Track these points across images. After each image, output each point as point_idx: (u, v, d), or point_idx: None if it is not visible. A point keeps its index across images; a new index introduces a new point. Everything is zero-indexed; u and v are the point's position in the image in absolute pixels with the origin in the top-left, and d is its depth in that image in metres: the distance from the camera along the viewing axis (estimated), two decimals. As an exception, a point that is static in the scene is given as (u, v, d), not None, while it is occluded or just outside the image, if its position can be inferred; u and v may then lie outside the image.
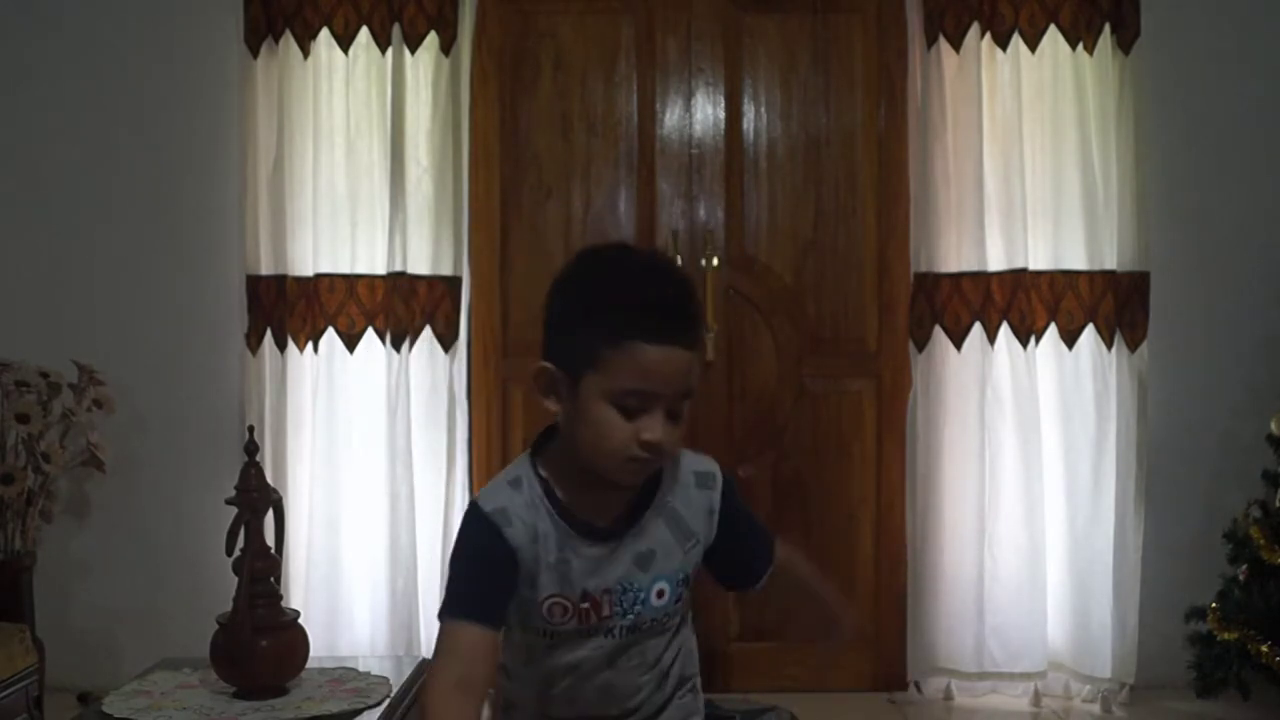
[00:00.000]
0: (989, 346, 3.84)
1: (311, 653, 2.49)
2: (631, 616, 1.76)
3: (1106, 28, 3.82)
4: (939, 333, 3.87)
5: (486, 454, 4.04)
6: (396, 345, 3.84)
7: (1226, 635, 3.51)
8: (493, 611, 1.70)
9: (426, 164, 3.87)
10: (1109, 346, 3.84)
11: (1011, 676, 3.88)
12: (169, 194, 4.00)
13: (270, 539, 2.45)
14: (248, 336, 3.89)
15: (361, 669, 2.61)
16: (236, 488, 2.38)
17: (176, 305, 4.01)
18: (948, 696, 3.91)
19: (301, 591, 3.80)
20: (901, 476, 3.97)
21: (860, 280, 4.06)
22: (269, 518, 2.43)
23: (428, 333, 3.87)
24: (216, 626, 2.39)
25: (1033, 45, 3.83)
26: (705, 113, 4.04)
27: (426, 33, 3.84)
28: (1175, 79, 3.92)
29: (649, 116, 4.05)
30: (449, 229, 3.88)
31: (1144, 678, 3.85)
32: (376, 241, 3.85)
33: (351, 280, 3.86)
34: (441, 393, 3.88)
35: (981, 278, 3.83)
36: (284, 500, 2.53)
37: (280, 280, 3.86)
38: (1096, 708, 3.82)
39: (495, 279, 4.05)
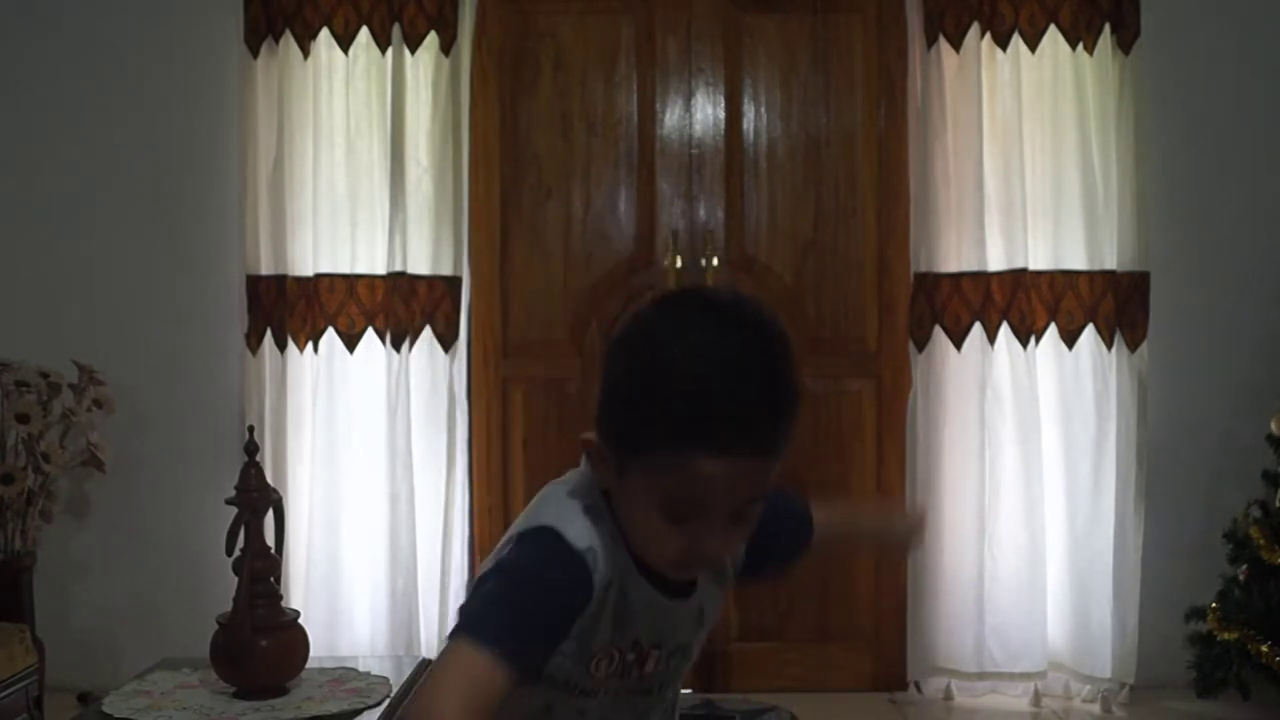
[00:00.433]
0: (989, 346, 3.84)
1: (311, 653, 2.49)
2: (674, 676, 1.52)
3: (1106, 28, 3.82)
4: (939, 333, 3.87)
5: (486, 454, 4.03)
6: (396, 345, 3.84)
7: (1226, 635, 3.51)
8: (533, 663, 1.35)
9: (426, 164, 3.87)
10: (1109, 346, 3.84)
11: (1011, 676, 3.88)
12: (169, 194, 4.00)
13: (270, 539, 2.45)
14: (248, 336, 3.89)
15: (361, 669, 2.61)
16: (236, 488, 2.38)
17: (176, 305, 4.01)
18: (948, 696, 3.90)
19: (301, 591, 3.80)
20: (901, 476, 3.97)
21: (860, 280, 4.06)
22: (269, 518, 2.43)
23: (428, 333, 3.87)
24: (216, 626, 2.39)
25: (1033, 45, 3.83)
26: (705, 113, 4.04)
27: (426, 33, 3.84)
28: (1175, 79, 3.92)
29: (649, 116, 4.05)
30: (449, 229, 3.88)
31: (1144, 678, 3.84)
32: (376, 241, 3.85)
33: (351, 280, 3.86)
34: (441, 393, 3.88)
35: (981, 278, 3.84)
36: (284, 500, 2.53)
37: (280, 280, 3.86)
38: (1096, 708, 3.82)
39: (495, 279, 4.05)
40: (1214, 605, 3.58)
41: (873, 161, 4.06)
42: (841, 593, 4.04)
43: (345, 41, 3.84)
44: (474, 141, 4.00)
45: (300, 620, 2.45)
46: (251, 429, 2.49)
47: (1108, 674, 3.83)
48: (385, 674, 2.57)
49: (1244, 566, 3.56)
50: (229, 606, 2.37)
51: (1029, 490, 3.84)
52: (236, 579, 2.36)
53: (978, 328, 3.85)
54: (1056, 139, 3.86)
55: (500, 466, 4.05)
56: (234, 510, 2.37)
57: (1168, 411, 3.94)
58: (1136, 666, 3.83)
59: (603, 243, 4.04)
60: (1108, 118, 3.83)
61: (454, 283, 3.89)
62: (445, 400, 3.88)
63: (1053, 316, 3.87)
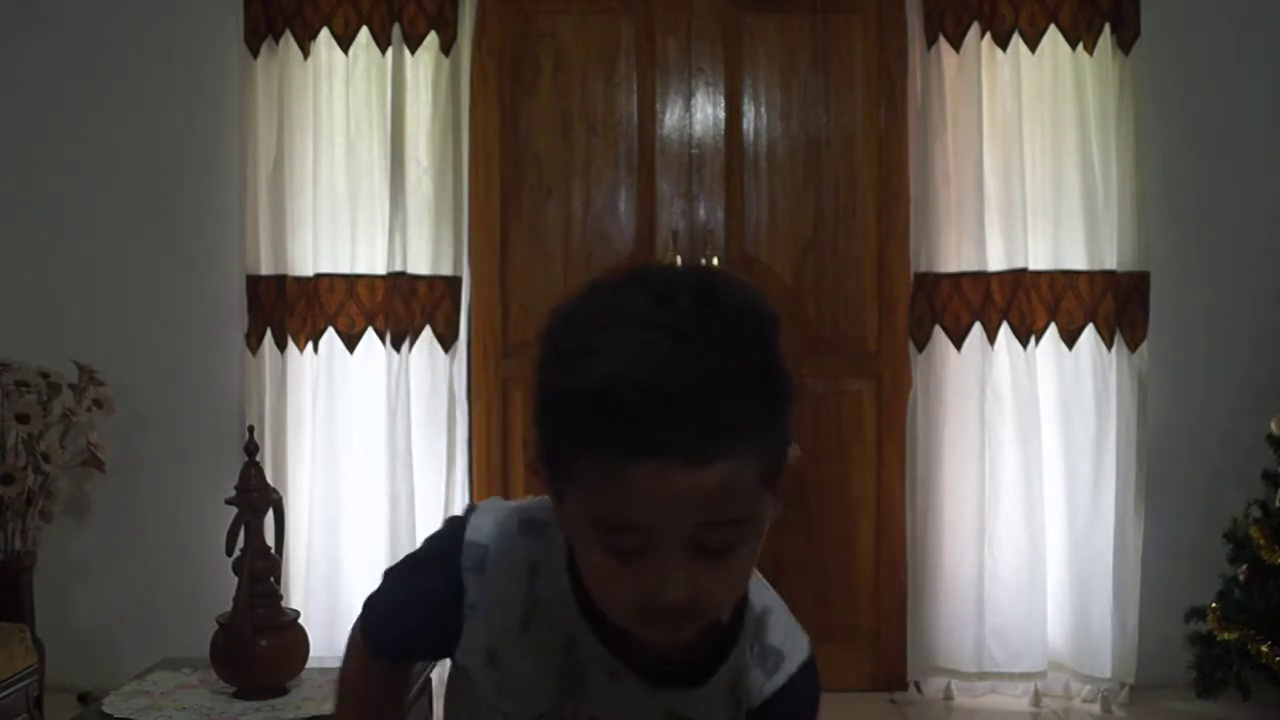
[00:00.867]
0: (989, 346, 3.84)
1: (311, 653, 2.49)
2: None
3: (1106, 28, 3.82)
4: (939, 333, 3.87)
5: (486, 454, 4.04)
6: (396, 345, 3.84)
7: (1226, 635, 3.51)
8: (398, 655, 1.37)
9: (426, 164, 3.87)
10: (1109, 346, 3.84)
11: (1011, 676, 3.88)
12: (169, 194, 4.00)
13: (270, 539, 2.45)
14: (248, 336, 3.89)
15: (361, 669, 2.60)
16: (236, 488, 2.39)
17: (176, 305, 4.01)
18: (948, 696, 3.90)
19: (301, 591, 3.80)
20: (901, 476, 3.97)
21: (860, 280, 4.06)
22: (269, 518, 2.43)
23: (428, 333, 3.87)
24: (216, 626, 2.39)
25: (1033, 45, 3.83)
26: (705, 113, 4.04)
27: (426, 33, 3.84)
28: (1175, 79, 3.92)
29: (649, 116, 4.05)
30: (449, 229, 3.88)
31: (1144, 678, 3.84)
32: (376, 241, 3.85)
33: (351, 280, 3.86)
34: (441, 393, 3.88)
35: (981, 278, 3.84)
36: (284, 500, 2.53)
37: (280, 280, 3.86)
38: (1096, 708, 3.82)
39: (495, 279, 4.05)
40: (1214, 605, 3.58)
41: (873, 161, 4.06)
42: (841, 592, 4.04)
43: (345, 41, 3.84)
44: (474, 141, 4.00)
45: (300, 620, 2.46)
46: (251, 429, 2.49)
47: (1108, 674, 3.83)
48: (385, 674, 2.56)
49: (1244, 566, 3.56)
50: (229, 606, 2.37)
51: (1029, 490, 3.84)
52: (236, 579, 2.36)
53: (978, 328, 3.85)
54: (1056, 139, 3.86)
55: (500, 466, 4.05)
56: (234, 510, 2.37)
57: (1168, 411, 3.94)
58: (1136, 666, 3.83)
59: (603, 243, 4.04)
60: (1108, 118, 3.83)
61: (454, 283, 3.89)
62: (445, 400, 3.88)
63: (1053, 316, 3.87)
